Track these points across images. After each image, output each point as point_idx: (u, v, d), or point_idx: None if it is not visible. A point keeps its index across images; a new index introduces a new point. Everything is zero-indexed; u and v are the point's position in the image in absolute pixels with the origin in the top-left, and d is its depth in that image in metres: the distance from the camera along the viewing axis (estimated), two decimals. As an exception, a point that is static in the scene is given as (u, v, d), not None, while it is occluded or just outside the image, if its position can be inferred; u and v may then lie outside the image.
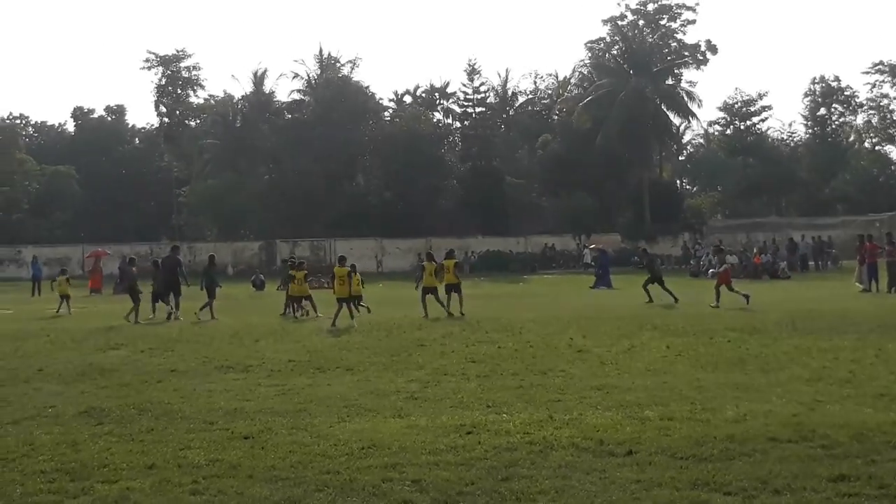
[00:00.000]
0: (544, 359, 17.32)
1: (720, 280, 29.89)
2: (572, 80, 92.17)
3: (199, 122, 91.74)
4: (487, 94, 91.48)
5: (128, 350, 20.08)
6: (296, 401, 13.40)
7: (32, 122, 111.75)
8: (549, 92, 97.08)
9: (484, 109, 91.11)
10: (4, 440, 10.95)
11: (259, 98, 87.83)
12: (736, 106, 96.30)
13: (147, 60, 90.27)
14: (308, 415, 12.29)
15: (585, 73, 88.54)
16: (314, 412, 12.47)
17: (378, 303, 30.58)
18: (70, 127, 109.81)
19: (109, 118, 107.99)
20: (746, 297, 28.37)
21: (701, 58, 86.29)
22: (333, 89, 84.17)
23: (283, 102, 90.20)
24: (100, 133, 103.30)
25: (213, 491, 8.67)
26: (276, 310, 31.19)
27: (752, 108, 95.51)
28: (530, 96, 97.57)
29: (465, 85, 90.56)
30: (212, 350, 19.73)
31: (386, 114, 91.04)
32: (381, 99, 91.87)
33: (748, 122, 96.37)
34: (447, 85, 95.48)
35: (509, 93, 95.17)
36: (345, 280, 26.21)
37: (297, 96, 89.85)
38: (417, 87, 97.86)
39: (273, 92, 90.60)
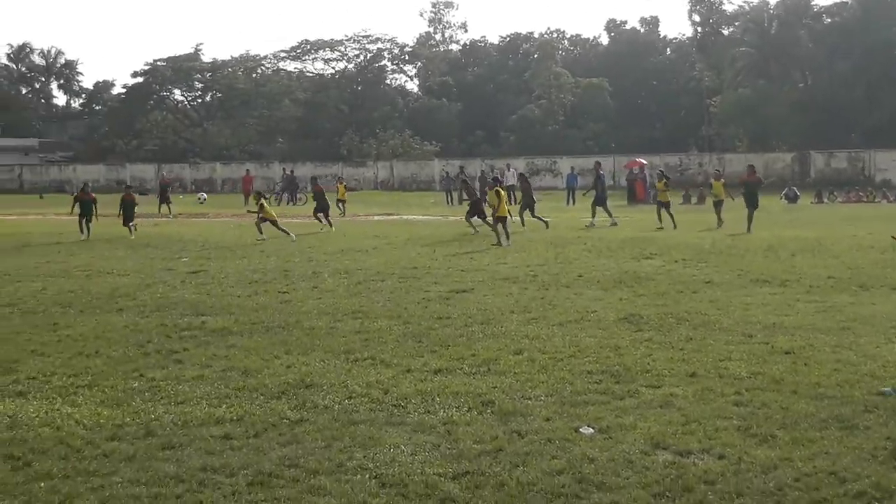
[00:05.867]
0: None
1: None
2: None
3: (732, 29, 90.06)
4: None
5: (662, 260, 20.42)
6: (838, 318, 12.86)
7: (568, 36, 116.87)
8: None
9: None
10: (552, 340, 11.65)
11: (797, 2, 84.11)
12: None
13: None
14: (852, 333, 11.76)
15: None
16: (859, 331, 11.90)
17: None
18: (604, 39, 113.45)
19: (642, 29, 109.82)
20: None
21: None
22: (880, -11, 78.24)
23: (823, 6, 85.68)
24: (632, 45, 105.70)
25: (757, 403, 8.58)
26: (810, 223, 30.20)
27: None
28: None
29: None
30: (745, 263, 19.49)
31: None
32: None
33: None
34: None
35: None
36: None
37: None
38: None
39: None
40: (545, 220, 30.06)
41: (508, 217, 25.79)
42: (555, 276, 17.89)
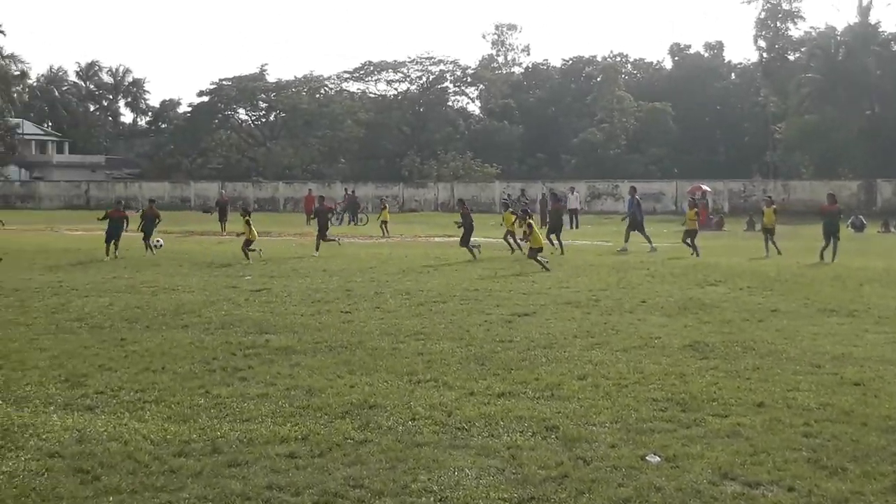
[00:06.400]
0: None
1: None
2: None
3: (798, 55, 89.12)
4: None
5: (726, 287, 20.17)
6: (908, 351, 12.62)
7: (632, 60, 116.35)
8: None
9: None
10: (616, 366, 11.56)
11: (864, 29, 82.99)
12: None
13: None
14: (926, 366, 11.53)
15: None
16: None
17: None
18: (667, 64, 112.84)
19: (706, 54, 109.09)
20: None
21: None
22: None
23: (891, 33, 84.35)
24: (696, 69, 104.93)
25: (826, 435, 8.44)
26: (878, 253, 29.65)
27: None
28: None
29: None
30: (812, 292, 19.20)
31: None
32: None
33: None
34: None
35: None
36: None
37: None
38: None
39: (879, 22, 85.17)
40: (561, 244, 29.92)
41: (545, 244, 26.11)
42: (618, 302, 17.76)
